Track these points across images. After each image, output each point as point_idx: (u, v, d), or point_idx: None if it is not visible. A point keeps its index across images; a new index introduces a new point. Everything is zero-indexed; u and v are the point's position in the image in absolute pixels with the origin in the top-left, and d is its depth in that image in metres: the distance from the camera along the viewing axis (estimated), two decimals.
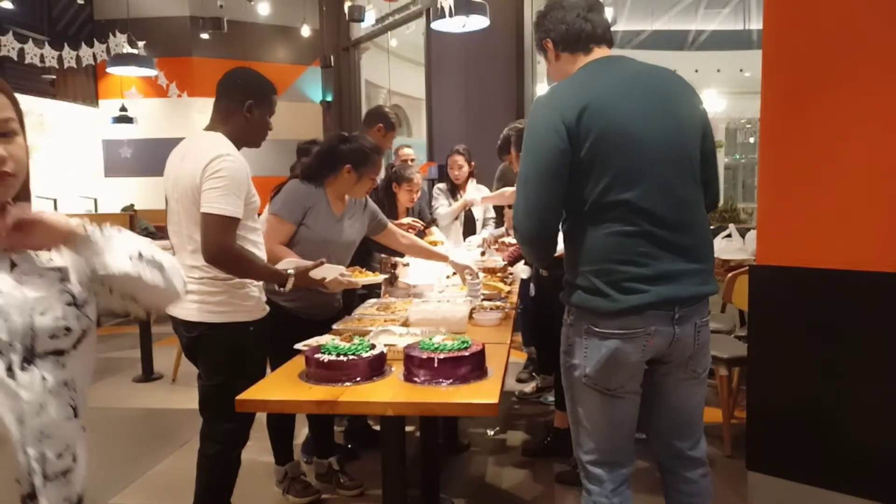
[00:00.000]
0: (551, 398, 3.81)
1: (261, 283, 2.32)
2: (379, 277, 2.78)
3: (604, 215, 1.69)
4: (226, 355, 2.22)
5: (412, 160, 4.89)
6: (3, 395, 0.93)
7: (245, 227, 2.19)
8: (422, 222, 3.71)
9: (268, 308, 2.37)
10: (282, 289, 2.29)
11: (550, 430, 3.32)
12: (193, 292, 2.18)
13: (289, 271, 2.27)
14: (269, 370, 2.46)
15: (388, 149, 4.25)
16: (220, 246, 2.08)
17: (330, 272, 2.39)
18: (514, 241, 3.67)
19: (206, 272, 2.18)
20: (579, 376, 1.79)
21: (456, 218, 4.36)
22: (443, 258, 3.16)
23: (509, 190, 3.58)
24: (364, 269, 2.82)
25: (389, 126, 3.63)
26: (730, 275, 3.64)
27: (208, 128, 2.27)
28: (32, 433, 0.96)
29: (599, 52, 1.82)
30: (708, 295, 1.79)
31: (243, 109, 2.23)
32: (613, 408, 1.79)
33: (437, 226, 4.19)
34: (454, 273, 3.24)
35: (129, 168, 10.03)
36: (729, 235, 4.46)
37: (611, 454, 1.82)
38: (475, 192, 4.32)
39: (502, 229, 3.97)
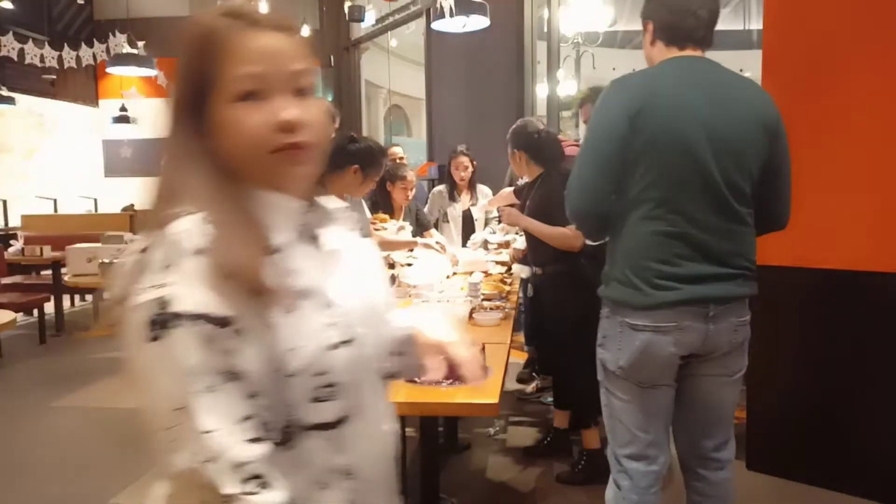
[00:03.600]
0: (551, 398, 3.80)
1: None
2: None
3: (646, 212, 1.70)
4: None
5: (401, 158, 4.88)
6: None
7: None
8: (440, 243, 3.65)
9: None
10: None
11: (550, 430, 3.32)
12: None
13: None
14: None
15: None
16: None
17: None
18: (512, 239, 3.67)
19: None
20: (614, 369, 1.80)
21: (448, 221, 4.35)
22: (412, 243, 3.29)
23: (507, 190, 3.60)
24: None
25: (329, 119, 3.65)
26: None
27: None
28: None
29: (691, 52, 1.79)
30: (745, 296, 1.79)
31: None
32: (648, 399, 1.80)
33: (435, 227, 4.19)
34: (454, 273, 3.24)
35: (129, 168, 10.03)
36: None
37: (646, 447, 1.82)
38: (483, 199, 4.34)
39: (497, 237, 3.95)
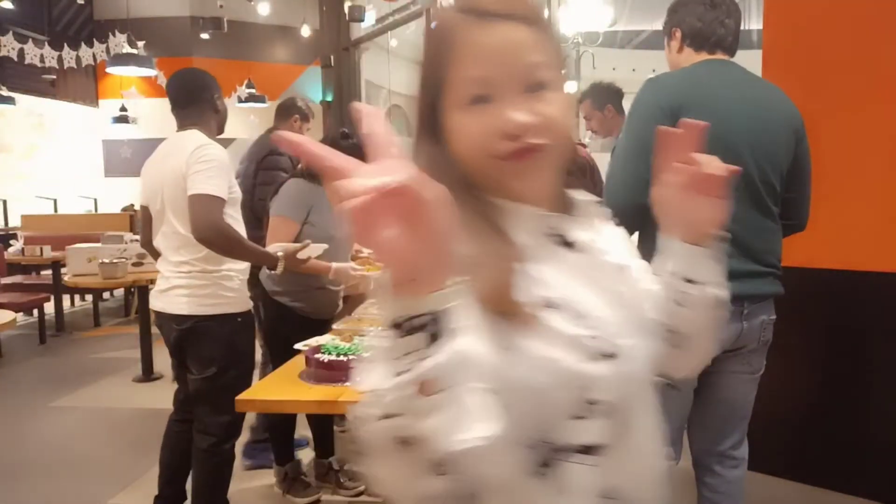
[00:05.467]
0: None
1: (245, 277, 2.38)
2: None
3: None
4: (217, 347, 2.26)
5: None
6: None
7: (228, 217, 2.22)
8: None
9: (251, 303, 2.42)
10: (273, 272, 2.34)
11: None
12: (181, 286, 2.24)
13: (278, 253, 2.31)
14: (261, 369, 2.47)
15: None
16: (210, 223, 2.12)
17: (315, 251, 2.43)
18: None
19: (194, 266, 2.23)
20: None
21: None
22: None
23: None
24: (374, 261, 2.82)
25: (304, 117, 3.64)
26: None
27: (181, 130, 2.35)
28: None
29: (720, 57, 1.85)
30: (775, 294, 1.83)
31: (212, 104, 2.37)
32: (668, 399, 1.80)
33: None
34: None
35: (129, 168, 10.02)
36: None
37: None
38: None
39: None
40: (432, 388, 0.53)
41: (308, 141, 0.56)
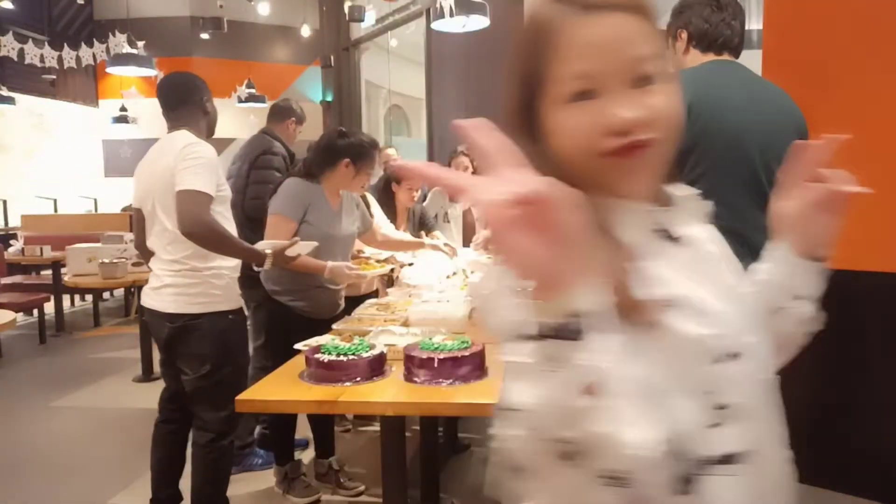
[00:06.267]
0: None
1: (235, 276, 2.40)
2: (385, 268, 2.80)
3: None
4: (209, 345, 2.28)
5: (395, 161, 4.88)
6: None
7: (217, 214, 2.24)
8: (448, 245, 3.60)
9: (242, 300, 2.45)
10: (259, 268, 2.37)
11: None
12: (172, 285, 2.27)
13: (266, 251, 2.32)
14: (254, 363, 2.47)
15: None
16: (196, 218, 2.14)
17: (304, 249, 2.44)
18: None
19: (183, 264, 2.25)
20: None
21: (448, 220, 4.33)
22: (419, 244, 3.29)
23: None
24: (370, 260, 2.82)
25: (299, 120, 3.64)
26: None
27: (172, 131, 2.39)
28: None
29: (727, 58, 1.87)
30: None
31: (202, 106, 2.41)
32: None
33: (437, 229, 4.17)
34: (454, 273, 3.24)
35: (129, 168, 9.92)
36: None
37: None
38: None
39: None
40: (595, 394, 0.50)
41: (425, 165, 0.56)
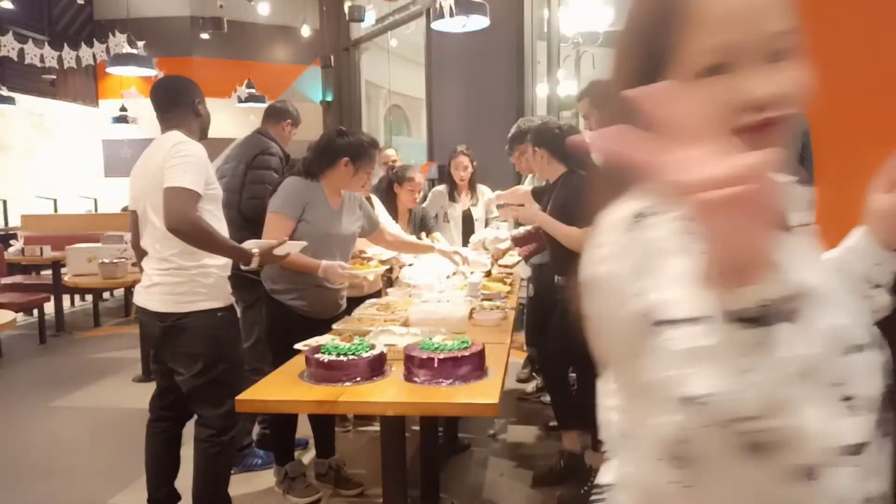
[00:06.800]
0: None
1: (225, 274, 2.41)
2: (380, 268, 2.79)
3: None
4: (200, 343, 2.29)
5: (394, 161, 4.87)
6: None
7: (208, 213, 2.25)
8: (459, 253, 3.56)
9: (233, 298, 2.46)
10: (246, 267, 2.36)
11: (562, 455, 3.01)
12: (161, 283, 2.29)
13: (253, 250, 2.34)
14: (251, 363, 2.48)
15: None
16: (182, 215, 2.15)
17: (292, 248, 2.44)
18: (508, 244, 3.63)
19: (171, 262, 2.27)
20: None
21: (448, 220, 4.33)
22: (429, 248, 3.27)
23: (522, 188, 3.47)
24: (365, 260, 2.81)
25: (295, 122, 3.65)
26: None
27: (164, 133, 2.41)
28: None
29: None
30: None
31: (193, 109, 2.43)
32: None
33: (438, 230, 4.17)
34: (454, 273, 3.24)
35: (129, 168, 9.88)
36: None
37: None
38: (482, 210, 4.32)
39: (505, 233, 3.89)
40: (800, 381, 0.47)
41: (616, 138, 0.50)
